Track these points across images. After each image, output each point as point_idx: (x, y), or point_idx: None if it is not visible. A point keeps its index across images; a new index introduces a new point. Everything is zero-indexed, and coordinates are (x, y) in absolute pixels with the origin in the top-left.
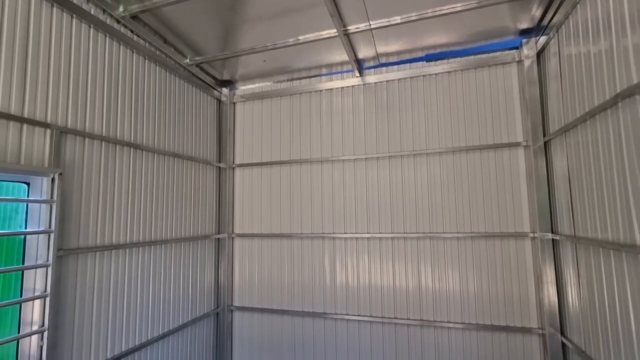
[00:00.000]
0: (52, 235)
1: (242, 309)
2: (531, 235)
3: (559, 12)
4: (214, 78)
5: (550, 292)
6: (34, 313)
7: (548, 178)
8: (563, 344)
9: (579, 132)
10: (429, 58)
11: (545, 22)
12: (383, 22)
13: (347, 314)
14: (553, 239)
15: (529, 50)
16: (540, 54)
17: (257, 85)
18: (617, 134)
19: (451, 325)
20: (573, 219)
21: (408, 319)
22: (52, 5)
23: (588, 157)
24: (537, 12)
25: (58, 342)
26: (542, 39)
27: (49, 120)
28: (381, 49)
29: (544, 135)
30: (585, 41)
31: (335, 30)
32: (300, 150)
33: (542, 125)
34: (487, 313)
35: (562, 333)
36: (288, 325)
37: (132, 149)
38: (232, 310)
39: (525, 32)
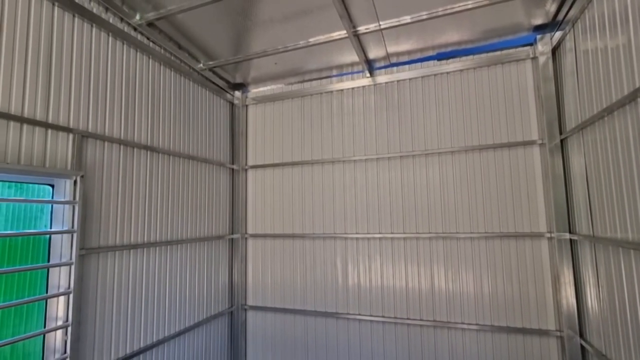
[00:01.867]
0: (74, 235)
1: (256, 308)
2: (548, 235)
3: (575, 7)
4: (227, 81)
5: (568, 294)
6: (59, 309)
7: (565, 177)
8: (582, 347)
9: (596, 129)
10: (441, 57)
11: (560, 17)
12: (393, 22)
13: (360, 314)
14: (571, 239)
15: (543, 46)
16: (555, 50)
17: (268, 87)
18: (637, 130)
19: (465, 326)
20: (591, 218)
21: (421, 319)
22: (74, 16)
23: (606, 154)
24: (551, 7)
25: (81, 337)
26: (558, 35)
27: (71, 125)
28: (392, 48)
29: (561, 133)
30: (602, 36)
31: (345, 31)
32: (311, 151)
33: (558, 123)
34: (502, 314)
35: (581, 336)
36: (301, 324)
37: (149, 152)
38: (245, 310)
39: (540, 28)
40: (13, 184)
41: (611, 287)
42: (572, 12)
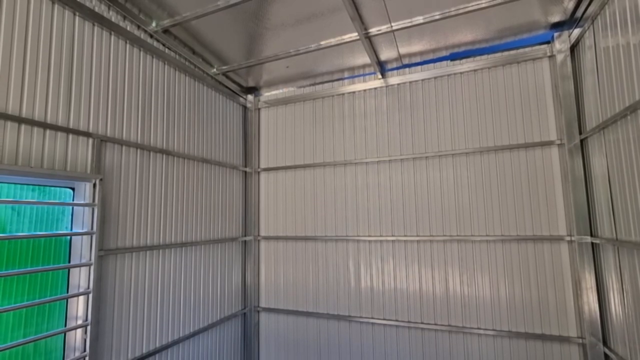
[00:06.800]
0: (94, 237)
1: (268, 310)
2: (568, 238)
3: (594, 3)
4: (240, 85)
5: (590, 299)
6: (79, 308)
7: (585, 178)
8: (606, 355)
9: (619, 129)
10: (454, 57)
11: (578, 13)
12: (405, 22)
13: (372, 318)
14: (592, 243)
15: (561, 44)
16: (574, 48)
17: (280, 90)
18: None
19: (481, 331)
20: (614, 221)
21: (435, 324)
22: (94, 25)
23: (630, 154)
24: (569, 4)
25: (99, 336)
26: (576, 32)
27: (90, 130)
28: (404, 49)
29: (580, 133)
30: (624, 32)
31: (356, 33)
32: (323, 153)
33: (577, 123)
34: (520, 320)
35: (605, 343)
36: (313, 327)
37: (164, 155)
38: (258, 311)
39: (557, 26)
40: (36, 187)
41: (636, 292)
42: (591, 9)
